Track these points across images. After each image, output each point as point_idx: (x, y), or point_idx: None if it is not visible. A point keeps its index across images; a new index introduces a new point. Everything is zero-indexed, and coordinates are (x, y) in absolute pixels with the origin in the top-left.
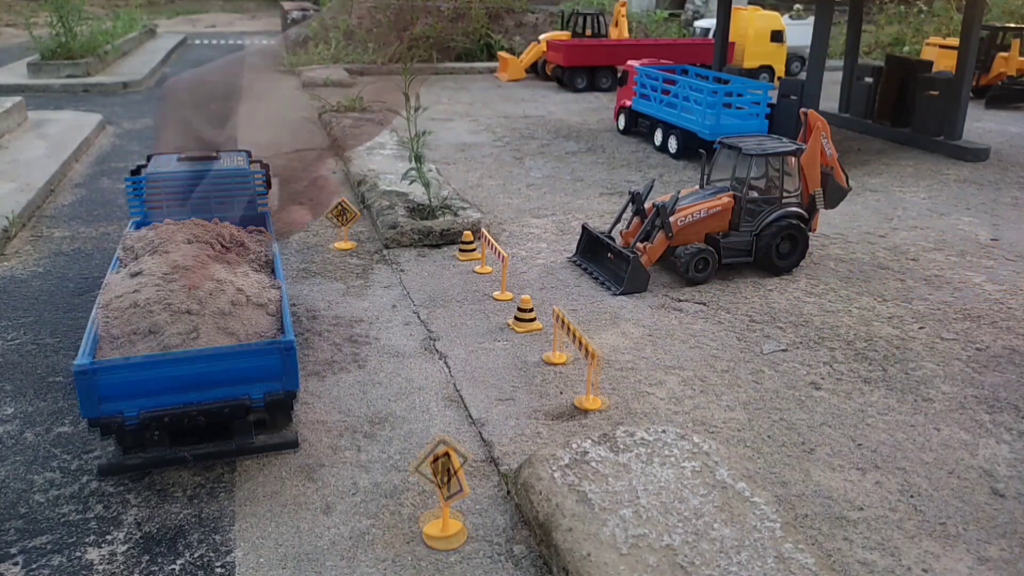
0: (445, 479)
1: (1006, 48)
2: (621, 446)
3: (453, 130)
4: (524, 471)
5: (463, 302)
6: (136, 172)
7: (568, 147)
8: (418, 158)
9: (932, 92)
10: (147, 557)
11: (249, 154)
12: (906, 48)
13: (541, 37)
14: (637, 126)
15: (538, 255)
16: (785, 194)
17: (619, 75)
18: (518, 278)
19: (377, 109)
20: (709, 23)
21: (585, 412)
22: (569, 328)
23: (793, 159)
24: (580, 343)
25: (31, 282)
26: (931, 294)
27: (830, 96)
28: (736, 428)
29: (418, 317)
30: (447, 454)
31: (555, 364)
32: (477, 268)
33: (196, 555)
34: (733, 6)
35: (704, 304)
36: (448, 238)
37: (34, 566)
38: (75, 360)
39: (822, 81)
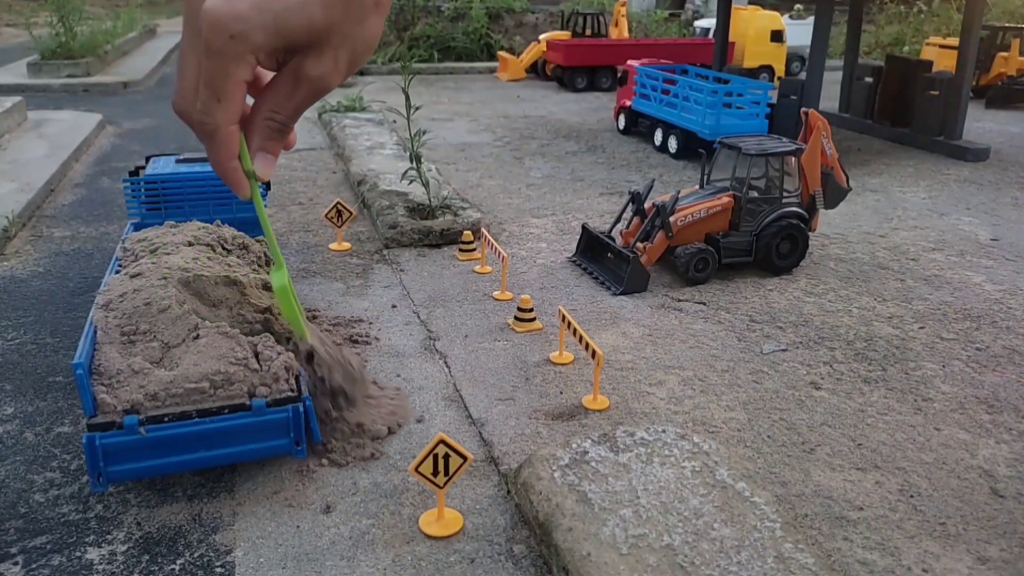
0: (444, 481)
1: (1006, 48)
2: (621, 446)
3: (453, 130)
4: (524, 471)
5: (463, 302)
6: (134, 173)
7: (568, 147)
8: (417, 158)
9: (932, 92)
10: (147, 557)
11: None
12: (906, 48)
13: (541, 37)
14: (637, 126)
15: (538, 255)
16: (785, 194)
17: (619, 75)
18: (518, 278)
19: (377, 109)
20: (709, 23)
21: (586, 412)
22: (575, 329)
23: (793, 159)
24: (586, 344)
25: (31, 282)
26: (931, 294)
27: (830, 96)
28: (736, 428)
29: (418, 317)
30: (447, 455)
31: (561, 364)
32: (477, 268)
33: (196, 555)
34: (733, 6)
35: (704, 304)
36: (448, 238)
37: (34, 566)
38: (72, 361)
39: (822, 81)
